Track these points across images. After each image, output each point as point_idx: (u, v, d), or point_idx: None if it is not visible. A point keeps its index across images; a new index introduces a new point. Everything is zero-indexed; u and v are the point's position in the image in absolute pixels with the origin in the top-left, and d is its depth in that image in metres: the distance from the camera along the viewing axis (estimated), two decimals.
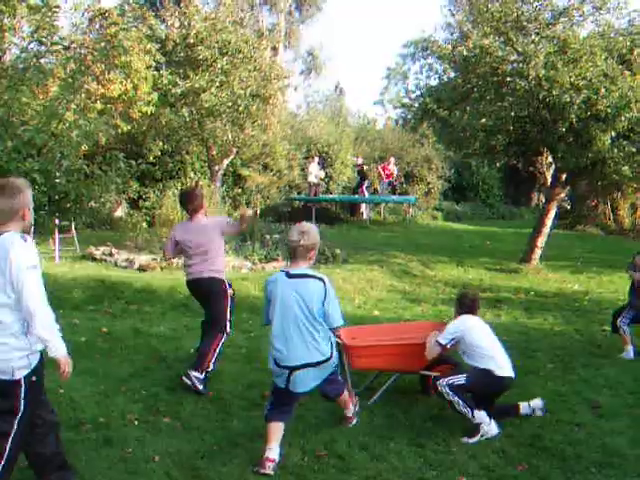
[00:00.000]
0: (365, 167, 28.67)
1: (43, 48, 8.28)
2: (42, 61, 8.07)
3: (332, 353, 5.18)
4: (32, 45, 8.83)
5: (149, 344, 8.46)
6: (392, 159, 28.78)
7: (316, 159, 26.90)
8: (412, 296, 12.69)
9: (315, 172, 26.18)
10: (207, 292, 7.03)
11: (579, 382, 7.45)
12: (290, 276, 5.09)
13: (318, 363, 5.09)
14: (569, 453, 5.46)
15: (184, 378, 6.67)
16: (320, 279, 5.06)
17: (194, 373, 6.63)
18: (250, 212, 7.31)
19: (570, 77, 12.82)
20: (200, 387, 6.61)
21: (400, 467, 5.17)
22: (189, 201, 7.06)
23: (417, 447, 5.53)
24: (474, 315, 6.33)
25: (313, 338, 5.03)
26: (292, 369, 5.07)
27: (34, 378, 4.12)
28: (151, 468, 4.98)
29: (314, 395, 6.73)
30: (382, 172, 28.20)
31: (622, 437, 5.85)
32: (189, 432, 5.70)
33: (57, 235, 14.60)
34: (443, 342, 6.13)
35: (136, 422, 5.85)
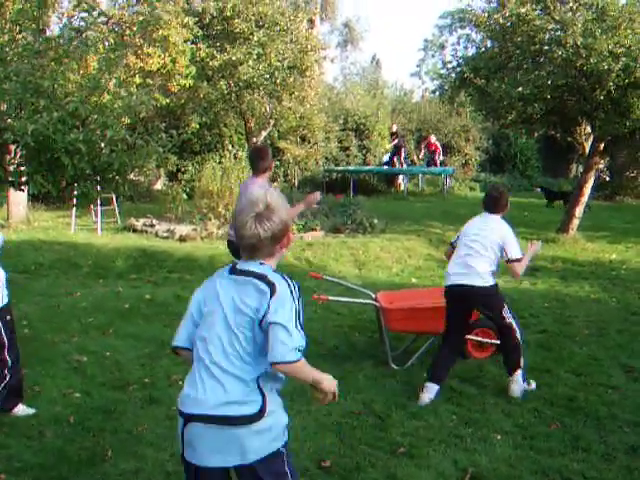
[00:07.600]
0: (401, 137, 28.50)
1: (84, 23, 8.45)
2: (84, 35, 8.24)
3: (265, 408, 2.88)
4: (73, 19, 9.02)
5: None
6: (432, 137, 28.62)
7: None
8: None
9: None
10: None
11: (614, 347, 7.50)
12: (234, 271, 3.00)
13: (226, 419, 2.88)
14: (602, 413, 5.56)
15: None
16: (269, 284, 2.85)
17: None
18: (318, 196, 6.87)
19: (608, 45, 12.68)
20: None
21: (436, 425, 5.31)
22: None
23: (453, 406, 5.69)
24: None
25: (235, 370, 2.88)
26: (186, 418, 3.06)
27: None
28: None
29: (354, 358, 6.92)
30: (428, 147, 28.05)
31: None
32: None
33: (99, 207, 14.92)
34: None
35: (180, 382, 6.01)
